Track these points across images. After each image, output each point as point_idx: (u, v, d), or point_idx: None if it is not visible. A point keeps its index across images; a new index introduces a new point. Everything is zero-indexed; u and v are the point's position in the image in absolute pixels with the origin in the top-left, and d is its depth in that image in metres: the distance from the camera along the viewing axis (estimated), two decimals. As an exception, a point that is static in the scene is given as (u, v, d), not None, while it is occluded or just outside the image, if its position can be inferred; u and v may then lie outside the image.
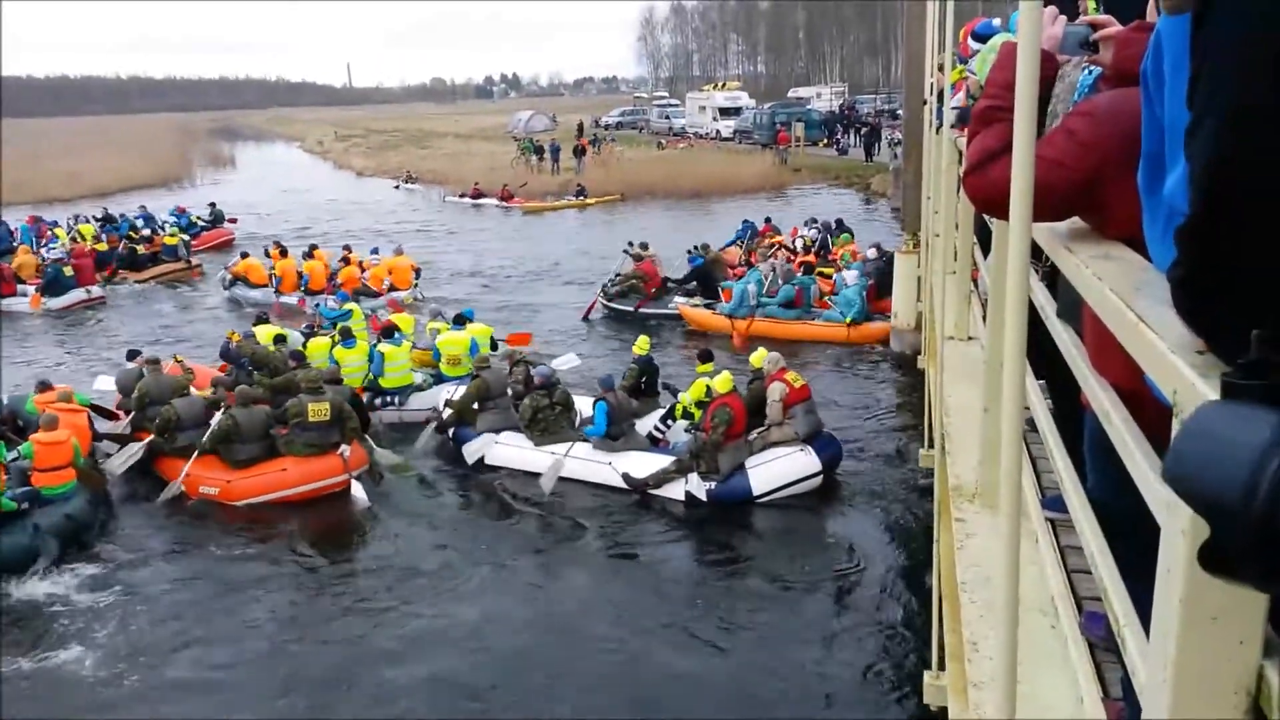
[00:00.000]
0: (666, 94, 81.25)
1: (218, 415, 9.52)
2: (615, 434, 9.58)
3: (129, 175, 44.13)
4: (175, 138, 72.50)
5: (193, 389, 10.35)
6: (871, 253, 15.97)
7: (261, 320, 12.73)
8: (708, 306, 15.33)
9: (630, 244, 17.36)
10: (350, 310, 13.42)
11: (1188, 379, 0.97)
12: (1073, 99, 2.68)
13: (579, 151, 38.33)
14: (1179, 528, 1.04)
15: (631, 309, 16.00)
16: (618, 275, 16.72)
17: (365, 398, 10.92)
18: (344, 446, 9.40)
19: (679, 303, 15.74)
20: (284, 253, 18.04)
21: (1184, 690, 1.04)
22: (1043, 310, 2.38)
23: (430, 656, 6.73)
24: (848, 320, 14.19)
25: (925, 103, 10.54)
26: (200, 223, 25.43)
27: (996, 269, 3.14)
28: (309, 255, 18.11)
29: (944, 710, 3.55)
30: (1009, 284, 1.54)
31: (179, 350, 12.91)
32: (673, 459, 9.18)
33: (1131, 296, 1.29)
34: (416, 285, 17.52)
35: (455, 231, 28.14)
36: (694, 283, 16.15)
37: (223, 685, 6.55)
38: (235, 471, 9.29)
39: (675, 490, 9.00)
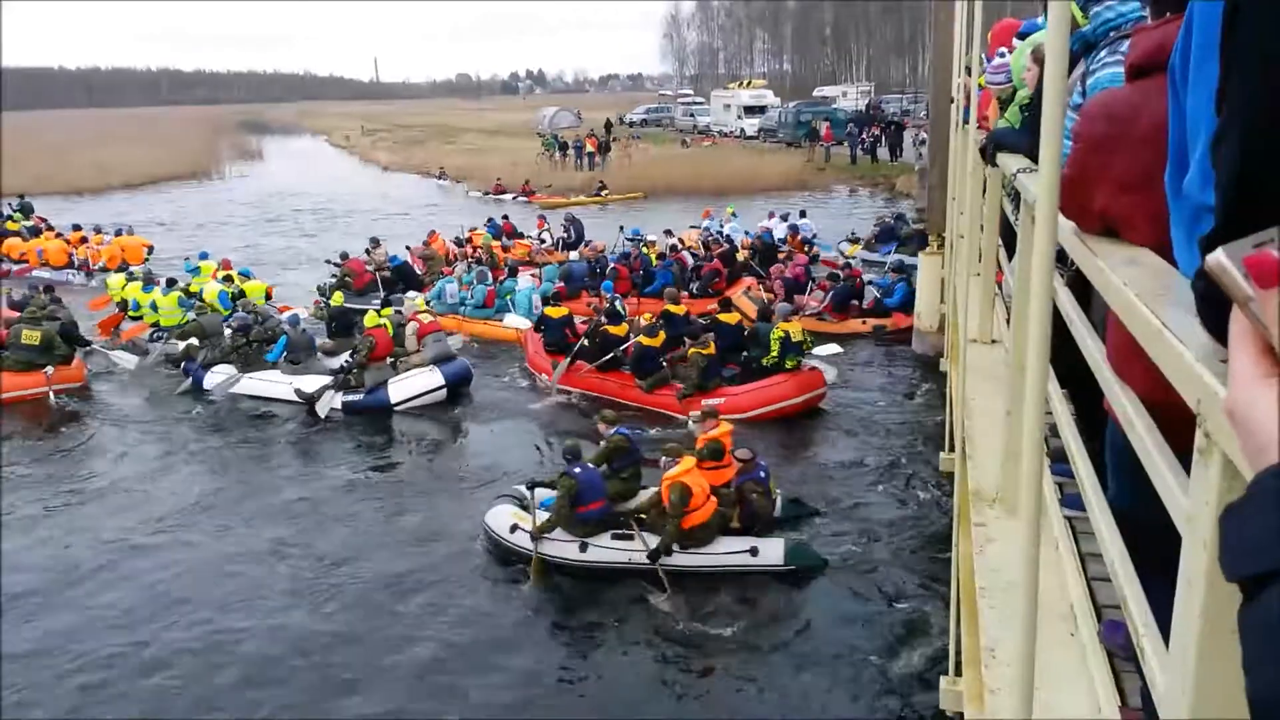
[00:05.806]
0: (691, 92, 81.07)
1: None
2: (296, 360, 12.53)
3: (157, 168, 44.63)
4: (204, 131, 73.25)
5: None
6: (575, 255, 17.61)
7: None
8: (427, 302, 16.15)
9: (343, 254, 18.35)
10: (200, 267, 17.26)
11: (1211, 388, 0.96)
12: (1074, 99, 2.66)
13: (602, 149, 38.30)
14: (1200, 538, 1.02)
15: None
16: (332, 277, 17.72)
17: (149, 332, 14.50)
18: (49, 367, 12.49)
19: (409, 297, 16.51)
20: (37, 234, 22.58)
21: (1203, 702, 1.02)
22: (1066, 314, 2.35)
23: (95, 521, 9.15)
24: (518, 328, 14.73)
25: (952, 102, 10.47)
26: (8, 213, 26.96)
27: (1021, 272, 3.11)
28: (118, 233, 21.80)
29: (960, 716, 3.53)
30: (1033, 287, 1.52)
31: None
32: (332, 378, 12.04)
33: (1156, 303, 1.27)
34: (147, 260, 20.02)
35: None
36: (399, 281, 17.36)
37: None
38: None
39: (335, 401, 11.80)
